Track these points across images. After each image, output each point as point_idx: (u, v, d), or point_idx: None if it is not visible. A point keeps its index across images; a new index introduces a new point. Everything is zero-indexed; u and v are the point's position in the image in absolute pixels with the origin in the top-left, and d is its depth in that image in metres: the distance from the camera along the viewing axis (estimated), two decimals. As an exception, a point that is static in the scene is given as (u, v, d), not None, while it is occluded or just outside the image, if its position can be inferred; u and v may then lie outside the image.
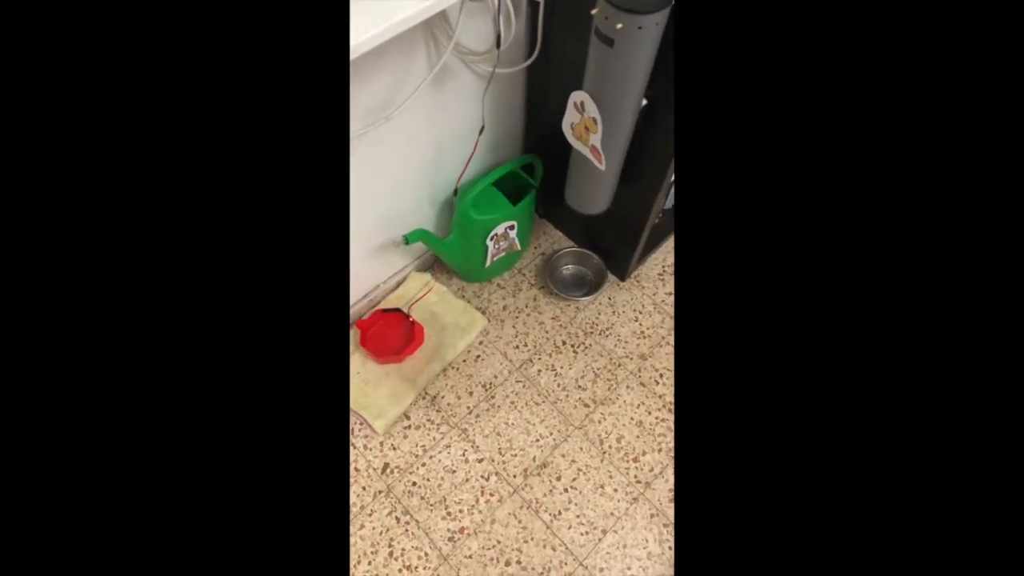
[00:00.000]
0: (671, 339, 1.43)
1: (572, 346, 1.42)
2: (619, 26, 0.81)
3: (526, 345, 1.41)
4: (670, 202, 1.62)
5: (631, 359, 1.40)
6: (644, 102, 1.01)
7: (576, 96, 0.98)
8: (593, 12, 0.83)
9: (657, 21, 0.82)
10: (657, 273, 1.54)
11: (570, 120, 1.04)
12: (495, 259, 1.40)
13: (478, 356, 1.40)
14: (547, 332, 1.43)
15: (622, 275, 1.52)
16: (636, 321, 1.46)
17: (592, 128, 1.00)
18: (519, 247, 1.43)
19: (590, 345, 1.42)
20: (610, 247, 1.48)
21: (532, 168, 1.40)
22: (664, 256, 1.57)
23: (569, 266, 1.54)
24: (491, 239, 1.33)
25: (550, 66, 1.16)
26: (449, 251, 1.34)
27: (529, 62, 1.10)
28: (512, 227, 1.35)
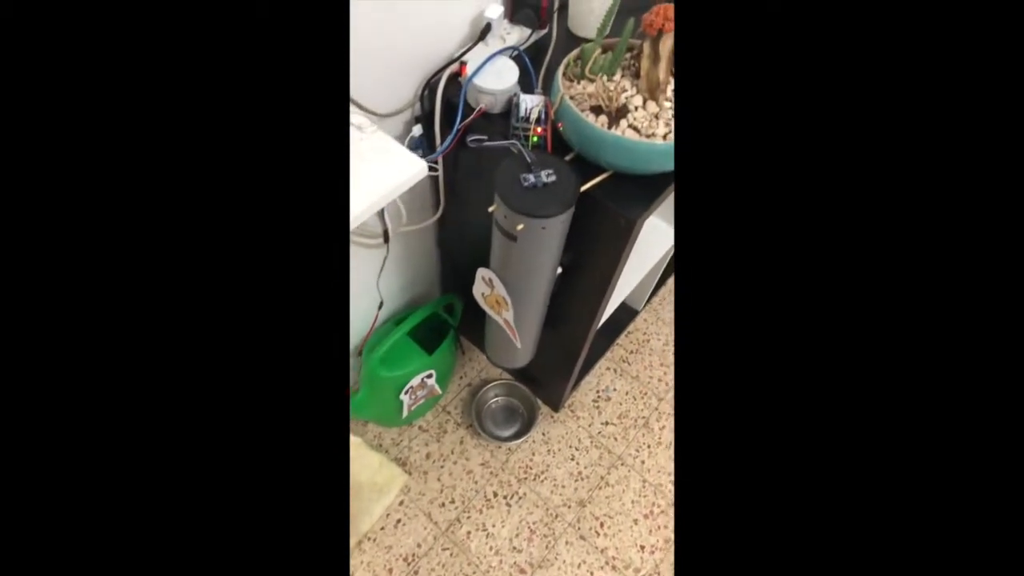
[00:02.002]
0: (610, 478, 1.33)
1: (504, 497, 1.29)
2: (520, 227, 0.72)
3: (453, 501, 1.27)
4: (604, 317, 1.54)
5: (569, 507, 1.28)
6: (559, 270, 0.92)
7: (484, 272, 0.88)
8: (491, 209, 0.74)
9: (562, 220, 0.73)
10: (592, 400, 1.44)
11: (480, 291, 0.94)
12: (413, 408, 1.27)
13: (399, 520, 1.24)
14: (476, 482, 1.30)
15: (555, 406, 1.41)
16: (573, 460, 1.35)
17: (503, 305, 0.90)
18: (440, 391, 1.30)
19: (524, 494, 1.29)
20: (541, 377, 1.38)
21: (452, 307, 1.28)
22: (597, 379, 1.48)
23: (498, 398, 1.42)
24: (405, 393, 1.19)
25: (460, 217, 1.05)
26: (359, 410, 1.19)
27: (434, 219, 0.99)
28: (430, 376, 1.22)
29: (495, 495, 1.29)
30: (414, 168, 0.56)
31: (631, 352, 1.53)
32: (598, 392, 1.46)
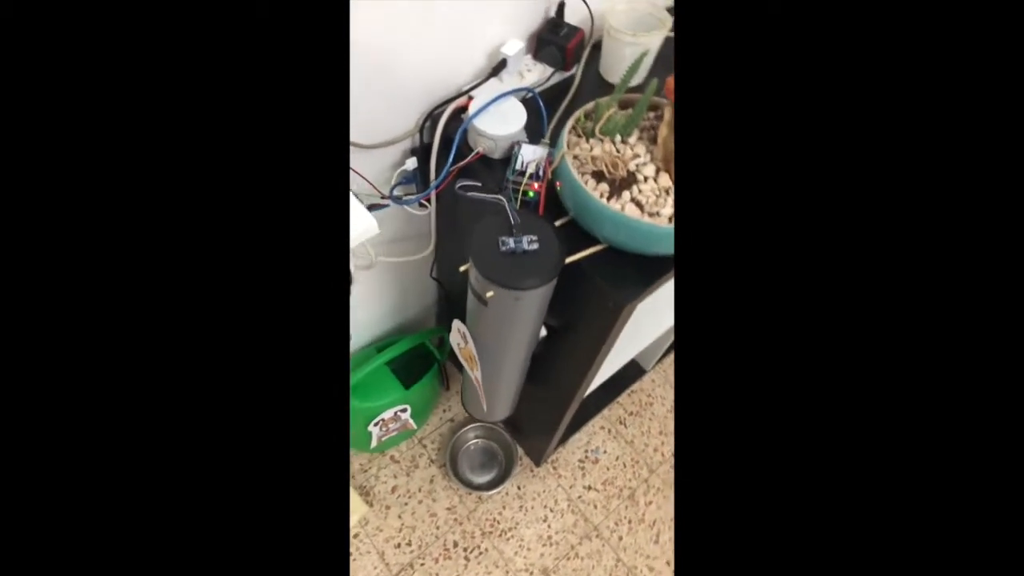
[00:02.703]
0: (581, 550, 1.23)
1: (464, 549, 1.21)
2: (490, 294, 0.64)
3: (410, 544, 1.20)
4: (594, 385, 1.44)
5: (531, 574, 1.19)
6: (544, 332, 0.83)
7: (460, 325, 0.81)
8: (462, 269, 0.66)
9: (540, 293, 0.64)
10: (578, 460, 1.34)
11: (456, 341, 0.86)
12: (383, 440, 1.20)
13: (349, 555, 1.18)
14: (438, 528, 1.22)
15: (537, 459, 1.32)
16: (544, 521, 1.26)
17: (475, 363, 0.82)
18: (415, 426, 1.24)
19: (486, 550, 1.21)
20: (525, 427, 1.29)
21: (443, 339, 1.21)
22: (588, 437, 1.38)
23: (478, 440, 1.35)
24: (375, 425, 1.13)
25: (454, 254, 0.98)
26: (325, 434, 1.13)
27: (422, 255, 0.93)
28: (404, 410, 1.15)
29: (455, 545, 1.21)
30: (361, 226, 0.49)
31: (631, 414, 1.43)
32: (586, 452, 1.36)
